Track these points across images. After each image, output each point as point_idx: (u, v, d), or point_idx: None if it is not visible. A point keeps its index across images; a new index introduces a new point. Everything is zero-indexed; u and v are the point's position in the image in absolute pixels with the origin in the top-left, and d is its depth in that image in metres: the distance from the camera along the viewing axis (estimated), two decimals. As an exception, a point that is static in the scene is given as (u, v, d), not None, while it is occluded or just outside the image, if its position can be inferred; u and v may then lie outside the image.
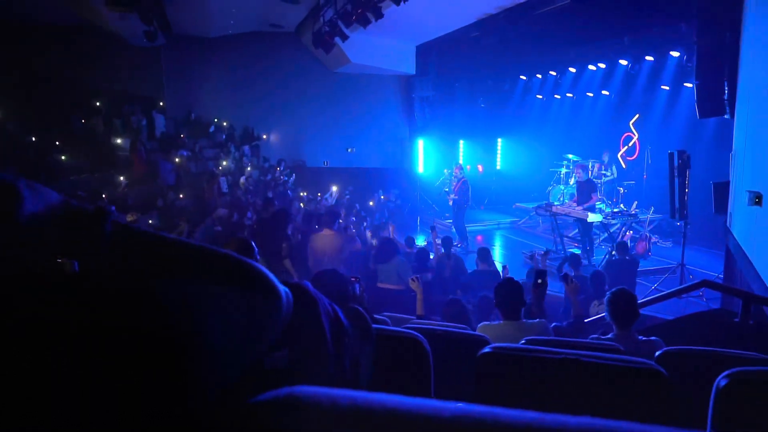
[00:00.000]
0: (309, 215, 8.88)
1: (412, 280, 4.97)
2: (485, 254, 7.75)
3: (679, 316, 5.96)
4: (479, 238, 13.70)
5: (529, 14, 11.07)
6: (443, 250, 8.09)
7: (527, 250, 11.90)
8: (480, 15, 11.74)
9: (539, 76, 16.04)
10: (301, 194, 13.14)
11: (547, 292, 6.76)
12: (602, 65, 13.61)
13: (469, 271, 8.00)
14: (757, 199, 5.21)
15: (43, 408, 0.44)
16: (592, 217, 10.57)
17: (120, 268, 0.53)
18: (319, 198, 12.80)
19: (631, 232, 11.60)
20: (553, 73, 15.26)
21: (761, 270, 5.17)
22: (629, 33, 11.84)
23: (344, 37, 12.21)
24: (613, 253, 8.99)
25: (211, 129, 15.34)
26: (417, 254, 7.67)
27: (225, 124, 15.74)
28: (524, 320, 3.88)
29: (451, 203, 13.04)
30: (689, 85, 11.09)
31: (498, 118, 17.80)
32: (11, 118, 12.24)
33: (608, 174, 13.37)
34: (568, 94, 15.71)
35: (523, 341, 2.77)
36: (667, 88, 12.70)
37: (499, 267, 8.27)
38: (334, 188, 12.83)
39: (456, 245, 11.49)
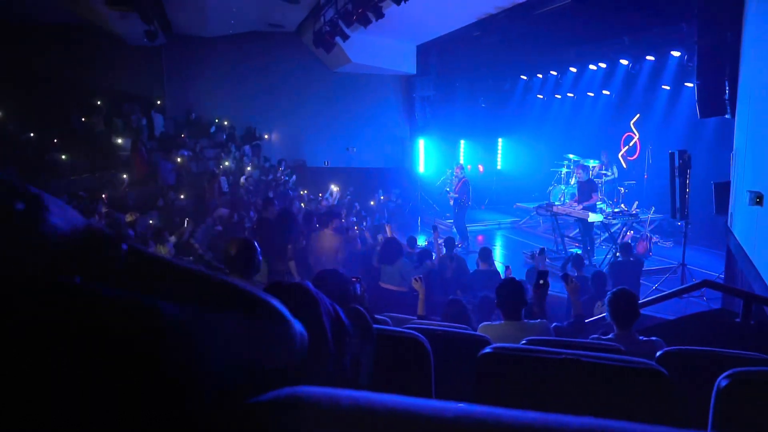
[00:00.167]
0: (309, 215, 8.88)
1: (415, 280, 4.97)
2: (486, 254, 7.75)
3: (680, 316, 5.96)
4: (480, 238, 13.70)
5: (530, 14, 11.06)
6: (445, 251, 8.08)
7: (528, 250, 11.90)
8: (480, 15, 11.73)
9: (540, 75, 16.04)
10: (302, 192, 13.14)
11: (550, 292, 6.79)
12: (603, 65, 13.60)
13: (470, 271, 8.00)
14: (758, 199, 5.21)
15: (43, 408, 0.44)
16: (593, 217, 10.57)
17: (129, 287, 0.55)
18: (320, 198, 12.79)
19: (632, 232, 11.60)
20: (554, 73, 15.25)
21: (762, 270, 5.16)
22: (630, 33, 11.84)
23: (345, 37, 12.21)
24: (617, 254, 8.98)
25: (212, 129, 15.34)
26: (419, 255, 7.67)
27: (226, 123, 15.74)
28: (525, 320, 3.88)
29: (452, 203, 13.04)
30: (690, 84, 11.08)
31: (499, 118, 17.80)
32: (11, 118, 12.25)
33: (609, 174, 13.36)
34: (568, 94, 15.70)
35: (524, 341, 2.77)
36: (668, 87, 12.69)
37: (500, 267, 8.26)
38: (335, 188, 12.82)
39: (457, 245, 11.49)
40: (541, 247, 7.20)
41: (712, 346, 2.83)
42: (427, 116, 17.10)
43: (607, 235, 11.43)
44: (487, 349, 1.78)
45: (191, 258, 7.38)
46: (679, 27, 10.42)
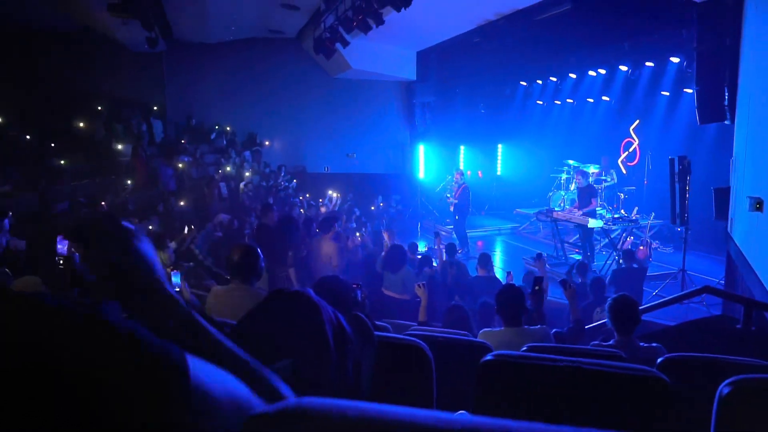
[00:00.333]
0: (309, 221, 8.88)
1: (419, 286, 4.97)
2: (485, 260, 7.74)
3: (681, 322, 5.96)
4: (480, 243, 13.70)
5: (529, 20, 11.09)
6: (446, 257, 8.08)
7: (528, 256, 11.90)
8: (480, 21, 11.77)
9: (540, 81, 16.08)
10: (301, 198, 13.14)
11: (551, 298, 6.79)
12: (602, 71, 13.65)
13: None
14: (758, 204, 5.22)
15: None
16: (593, 223, 10.57)
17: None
18: (319, 203, 12.79)
19: (632, 237, 11.60)
20: (554, 79, 15.29)
21: (762, 276, 5.16)
22: (629, 39, 11.88)
23: (345, 43, 12.24)
24: (620, 261, 8.97)
25: (213, 136, 15.35)
26: (420, 262, 7.66)
27: (228, 128, 15.75)
28: (525, 326, 3.87)
29: (452, 209, 13.04)
30: (689, 90, 11.10)
31: (498, 124, 17.83)
32: (13, 123, 12.26)
33: (608, 179, 13.37)
34: (568, 100, 15.74)
35: (524, 348, 2.77)
36: (668, 93, 12.73)
37: (500, 273, 8.26)
38: (335, 194, 12.82)
39: (458, 251, 11.49)
40: (538, 252, 7.20)
41: (713, 352, 2.83)
42: (427, 122, 17.13)
43: (607, 240, 11.43)
44: (489, 357, 1.78)
45: (191, 264, 7.37)
46: (678, 33, 10.46)
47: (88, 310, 0.50)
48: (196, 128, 15.41)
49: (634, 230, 11.64)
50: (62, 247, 3.00)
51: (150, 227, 7.82)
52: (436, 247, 8.58)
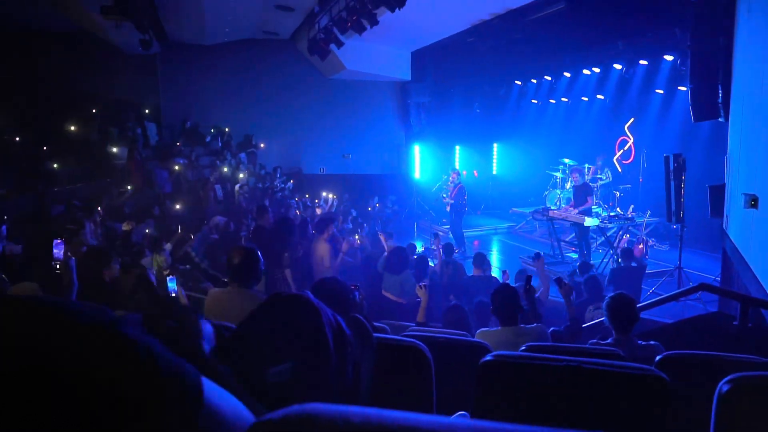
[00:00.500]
0: (305, 222, 8.87)
1: (420, 287, 4.97)
2: (480, 260, 7.75)
3: (677, 319, 5.97)
4: (476, 243, 13.71)
5: (524, 19, 11.11)
6: (444, 257, 8.08)
7: (525, 255, 11.91)
8: (474, 21, 11.78)
9: (534, 81, 16.11)
10: (297, 199, 13.13)
11: (552, 297, 6.80)
12: (597, 69, 13.68)
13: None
14: (752, 201, 5.24)
15: None
16: (589, 221, 10.60)
17: None
18: (316, 204, 12.78)
19: (628, 235, 11.63)
20: (548, 78, 15.31)
21: (758, 272, 5.18)
22: (623, 37, 11.91)
23: (339, 44, 12.23)
24: (619, 260, 9.00)
25: (208, 138, 15.32)
26: (416, 261, 7.66)
27: (227, 130, 15.72)
28: (522, 325, 3.88)
29: (448, 209, 13.05)
30: (683, 88, 11.14)
31: (494, 124, 17.84)
32: (8, 126, 12.20)
33: (603, 178, 13.40)
34: (563, 99, 15.77)
35: (523, 347, 2.77)
36: (662, 91, 12.77)
37: (497, 273, 8.27)
38: (331, 195, 12.81)
39: (454, 251, 11.49)
40: (536, 252, 7.21)
41: (711, 349, 2.84)
42: (422, 122, 17.14)
43: (603, 239, 11.46)
44: (488, 357, 1.78)
45: (187, 266, 7.35)
46: (672, 32, 10.49)
47: (108, 321, 0.50)
48: (191, 130, 15.38)
49: (630, 228, 11.68)
50: (59, 251, 2.99)
51: (147, 230, 7.79)
52: (434, 248, 8.58)
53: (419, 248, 10.99)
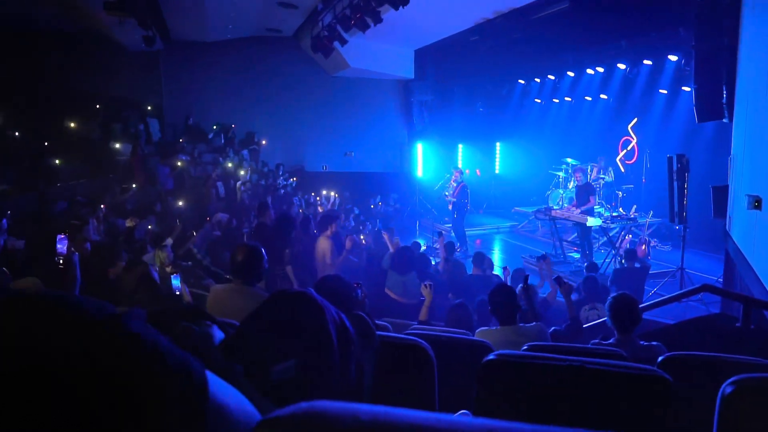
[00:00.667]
0: (307, 219, 8.86)
1: (425, 286, 4.97)
2: (479, 259, 7.74)
3: (679, 320, 5.96)
4: (478, 242, 13.70)
5: (527, 18, 11.09)
6: (445, 255, 8.07)
7: (527, 254, 11.90)
8: (478, 19, 11.76)
9: (538, 80, 16.08)
10: (300, 196, 13.13)
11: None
12: (600, 69, 13.65)
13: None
14: (756, 202, 5.22)
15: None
16: (592, 221, 10.58)
17: None
18: (318, 202, 12.78)
19: (630, 236, 11.61)
20: (552, 77, 15.29)
21: (761, 274, 5.17)
22: (627, 37, 11.89)
23: (343, 42, 12.22)
24: (622, 261, 8.99)
25: (210, 135, 15.33)
26: (418, 260, 7.64)
27: (234, 126, 15.73)
28: (521, 325, 3.87)
29: (450, 207, 13.04)
30: (687, 89, 11.12)
31: (496, 122, 17.83)
32: (10, 123, 12.23)
33: (606, 177, 13.39)
34: (566, 98, 15.74)
35: (525, 347, 2.77)
36: (666, 92, 12.74)
37: (498, 271, 8.26)
38: (333, 194, 12.82)
39: (456, 250, 11.48)
40: (543, 253, 7.21)
41: (713, 350, 2.83)
42: (425, 121, 17.13)
43: (605, 239, 11.44)
44: (491, 356, 1.78)
45: (189, 263, 7.35)
46: (676, 32, 10.47)
47: (112, 316, 0.50)
48: (193, 128, 15.39)
49: (632, 228, 11.66)
50: (62, 246, 2.99)
51: (149, 227, 7.80)
52: (437, 246, 8.57)
53: (422, 247, 10.99)
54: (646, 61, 12.30)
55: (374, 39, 12.99)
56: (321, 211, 11.26)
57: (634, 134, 14.31)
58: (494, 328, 3.89)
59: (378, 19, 10.36)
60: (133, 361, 0.48)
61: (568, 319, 4.81)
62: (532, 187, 16.23)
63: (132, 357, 0.48)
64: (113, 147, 13.32)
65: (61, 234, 3.03)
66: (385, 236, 8.26)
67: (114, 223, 7.90)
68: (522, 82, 16.65)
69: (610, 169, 13.62)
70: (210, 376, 0.55)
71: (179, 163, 12.61)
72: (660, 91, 12.82)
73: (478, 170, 17.70)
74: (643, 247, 10.22)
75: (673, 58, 11.58)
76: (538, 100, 16.85)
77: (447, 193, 13.35)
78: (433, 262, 8.26)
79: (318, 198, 13.23)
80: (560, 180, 14.49)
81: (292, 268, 7.07)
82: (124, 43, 13.24)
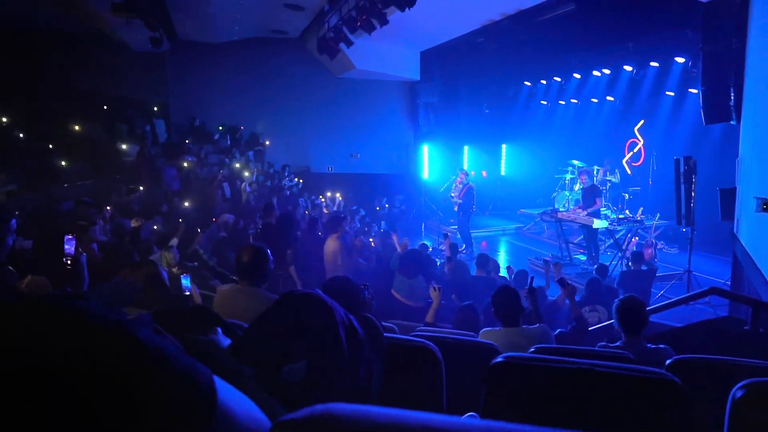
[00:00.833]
0: (313, 221, 8.86)
1: (433, 288, 4.97)
2: (483, 261, 7.73)
3: (687, 323, 5.92)
4: (484, 244, 13.68)
5: (534, 20, 11.07)
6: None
7: (533, 256, 11.87)
8: (484, 21, 11.75)
9: (544, 81, 16.06)
10: (306, 197, 13.15)
11: (551, 298, 6.77)
12: (607, 71, 13.61)
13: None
14: (765, 205, 5.19)
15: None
16: (598, 224, 10.54)
17: None
18: (322, 204, 12.79)
19: (637, 238, 11.57)
20: (558, 79, 15.26)
21: (770, 277, 5.14)
22: (634, 39, 11.85)
23: (349, 43, 12.23)
24: (629, 264, 8.96)
25: (216, 136, 15.37)
26: (425, 263, 7.62)
27: (243, 128, 15.77)
28: (524, 326, 3.86)
29: (456, 209, 13.03)
30: (694, 90, 11.07)
31: (502, 124, 17.82)
32: (17, 124, 12.29)
33: (612, 179, 13.35)
34: (572, 100, 15.71)
35: (532, 349, 2.76)
36: (672, 93, 12.69)
37: (503, 272, 8.25)
38: (338, 195, 12.82)
39: (461, 251, 11.46)
40: (549, 255, 7.20)
41: (721, 354, 2.81)
42: (430, 122, 17.12)
43: (611, 241, 11.40)
44: (499, 359, 1.77)
45: (195, 263, 7.36)
46: (683, 33, 10.43)
47: (120, 324, 0.49)
48: (199, 128, 15.43)
49: (639, 231, 11.61)
50: (70, 247, 3.00)
51: (155, 227, 7.82)
52: (442, 248, 8.57)
53: (429, 248, 10.98)
54: (652, 63, 12.26)
55: (380, 40, 13.00)
56: (326, 213, 11.27)
57: (641, 136, 14.27)
58: (497, 328, 3.88)
59: (384, 21, 10.36)
60: (138, 368, 0.47)
61: (571, 319, 4.81)
62: (538, 189, 16.20)
63: (137, 364, 0.48)
64: (119, 147, 13.37)
65: (68, 234, 3.04)
66: (394, 238, 8.26)
67: (121, 223, 7.92)
68: (528, 83, 16.63)
69: (617, 171, 13.58)
70: (218, 381, 0.54)
71: (185, 164, 12.64)
72: (667, 93, 12.77)
73: (484, 172, 17.68)
74: (650, 249, 10.19)
75: (680, 59, 11.54)
76: (544, 102, 16.82)
77: (453, 195, 13.33)
78: (438, 263, 8.26)
79: (323, 199, 13.24)
80: (566, 182, 14.45)
81: (300, 269, 7.07)
82: (130, 44, 13.30)
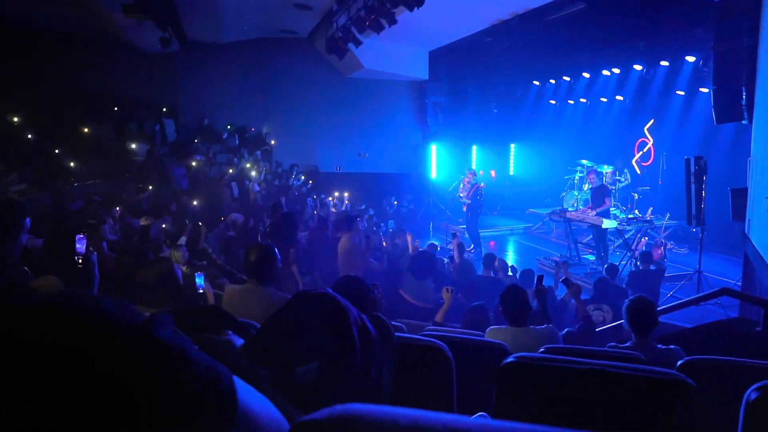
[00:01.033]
0: (322, 220, 8.88)
1: (446, 290, 4.96)
2: (489, 261, 7.71)
3: (697, 324, 5.89)
4: (492, 243, 13.66)
5: (543, 19, 11.03)
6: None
7: (541, 256, 11.83)
8: (493, 20, 11.72)
9: (553, 81, 15.99)
10: (315, 197, 13.18)
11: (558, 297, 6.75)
12: (616, 70, 13.54)
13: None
14: (777, 205, 5.15)
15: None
16: (607, 223, 10.49)
17: None
18: (331, 203, 12.80)
19: (646, 238, 11.51)
20: (567, 79, 15.19)
21: (782, 278, 5.09)
22: (644, 38, 11.78)
23: (357, 43, 12.23)
24: (638, 263, 8.92)
25: (225, 136, 15.42)
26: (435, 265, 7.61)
27: (253, 129, 15.83)
28: (531, 326, 3.85)
29: (465, 209, 13.01)
30: (705, 90, 10.99)
31: (511, 124, 17.77)
32: (27, 124, 12.37)
33: (622, 180, 13.28)
34: (581, 100, 15.64)
35: (542, 349, 2.75)
36: (683, 93, 12.61)
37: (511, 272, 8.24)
38: (346, 194, 12.84)
39: (469, 251, 11.45)
40: (556, 257, 7.18)
41: (732, 355, 2.79)
42: (439, 122, 17.10)
43: (621, 241, 11.35)
44: (510, 359, 1.76)
45: (204, 262, 7.39)
46: (693, 32, 10.35)
47: (142, 324, 0.49)
48: (208, 128, 15.49)
49: (648, 231, 11.55)
50: (81, 246, 3.02)
51: (164, 225, 7.86)
52: (450, 248, 8.56)
53: (437, 248, 10.98)
54: (663, 62, 12.18)
55: (388, 40, 12.99)
56: (333, 212, 11.28)
57: (651, 136, 14.18)
58: (503, 327, 3.87)
59: (392, 21, 10.36)
60: (161, 368, 0.48)
61: (579, 319, 4.79)
62: (547, 189, 16.14)
63: (160, 363, 0.48)
64: (129, 147, 13.44)
65: (80, 234, 3.06)
66: (409, 238, 8.28)
67: (130, 222, 7.96)
68: (537, 83, 16.57)
69: (626, 171, 13.52)
70: (238, 381, 0.55)
71: (194, 164, 12.70)
72: (677, 92, 12.69)
73: (493, 172, 17.64)
74: (660, 249, 10.13)
75: (690, 59, 11.45)
76: (553, 102, 16.76)
77: (461, 195, 13.31)
78: (445, 261, 8.26)
79: (331, 199, 13.26)
80: (575, 182, 14.40)
81: (307, 268, 7.08)
82: (140, 45, 13.36)
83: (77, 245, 2.99)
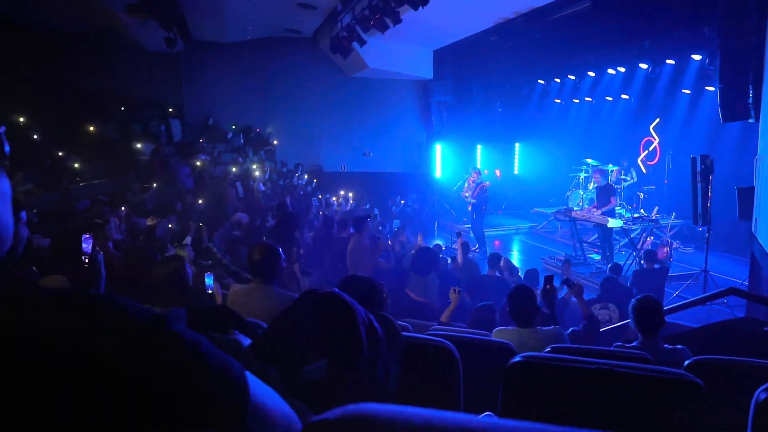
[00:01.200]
0: (328, 220, 8.88)
1: (453, 290, 4.96)
2: (494, 260, 7.70)
3: (704, 323, 5.86)
4: (497, 243, 13.64)
5: (548, 18, 10.99)
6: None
7: (546, 255, 11.81)
8: (498, 19, 11.69)
9: (558, 80, 15.94)
10: (320, 197, 13.19)
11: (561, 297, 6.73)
12: (622, 69, 13.48)
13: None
14: (784, 204, 5.12)
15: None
16: (612, 223, 10.46)
17: None
18: (335, 202, 12.80)
19: (652, 237, 11.47)
20: (572, 77, 15.13)
21: (789, 277, 5.07)
22: (650, 36, 11.71)
23: (362, 42, 12.23)
24: (642, 262, 8.89)
25: (229, 135, 15.45)
26: (437, 260, 7.61)
27: (258, 130, 15.86)
28: (538, 327, 3.83)
29: (470, 208, 13.00)
30: (711, 88, 10.94)
31: (516, 123, 17.73)
32: (34, 124, 12.42)
33: (628, 179, 13.24)
34: (587, 99, 15.59)
35: (548, 349, 2.74)
36: (689, 91, 12.54)
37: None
38: (351, 194, 12.84)
39: (474, 250, 11.43)
40: (561, 256, 7.16)
41: (739, 355, 2.78)
42: (443, 121, 17.08)
43: (626, 240, 11.31)
44: (517, 358, 1.76)
45: (209, 262, 7.41)
46: (700, 31, 10.29)
47: (156, 319, 0.50)
48: (213, 128, 15.53)
49: (654, 230, 11.51)
50: (87, 246, 3.03)
51: (169, 225, 7.88)
52: (455, 247, 8.56)
53: (442, 248, 10.97)
54: (668, 61, 12.12)
55: (393, 39, 12.98)
56: (338, 211, 11.29)
57: (656, 135, 14.13)
58: (510, 328, 3.86)
59: (397, 20, 10.34)
60: (175, 362, 0.48)
61: (583, 318, 4.78)
62: (552, 188, 16.11)
63: (175, 357, 0.48)
64: (134, 147, 13.48)
65: (86, 233, 3.07)
66: (419, 239, 8.29)
67: (135, 222, 7.99)
68: (542, 82, 16.52)
69: (632, 170, 13.47)
70: (250, 377, 0.55)
71: (199, 163, 12.72)
72: (683, 90, 12.63)
73: (497, 171, 17.61)
74: (666, 249, 10.09)
75: (696, 57, 11.40)
76: (558, 101, 16.71)
77: (466, 194, 13.29)
78: (449, 262, 8.25)
79: (336, 199, 13.26)
80: (580, 181, 14.36)
81: (318, 269, 7.08)
82: (145, 45, 13.39)
83: (83, 245, 3.00)
